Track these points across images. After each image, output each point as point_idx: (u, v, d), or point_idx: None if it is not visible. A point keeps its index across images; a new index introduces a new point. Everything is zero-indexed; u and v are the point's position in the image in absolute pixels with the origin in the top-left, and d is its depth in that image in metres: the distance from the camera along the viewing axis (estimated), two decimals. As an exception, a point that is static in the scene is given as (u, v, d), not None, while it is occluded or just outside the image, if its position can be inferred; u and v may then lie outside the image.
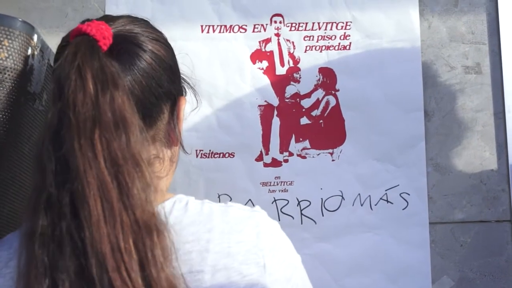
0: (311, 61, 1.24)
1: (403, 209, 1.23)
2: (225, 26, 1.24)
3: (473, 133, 1.25)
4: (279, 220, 1.21)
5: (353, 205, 1.23)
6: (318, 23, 1.24)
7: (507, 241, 1.24)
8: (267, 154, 1.23)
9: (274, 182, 1.23)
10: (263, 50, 1.24)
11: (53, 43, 0.80)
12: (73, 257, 0.56)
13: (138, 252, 0.56)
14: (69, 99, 0.59)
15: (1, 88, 0.74)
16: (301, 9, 1.24)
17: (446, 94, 1.25)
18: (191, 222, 0.65)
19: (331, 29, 1.24)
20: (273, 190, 1.23)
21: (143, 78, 0.67)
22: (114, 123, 0.59)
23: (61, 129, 0.59)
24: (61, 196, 0.57)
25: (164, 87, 0.70)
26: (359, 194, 1.23)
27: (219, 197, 1.22)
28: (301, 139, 1.24)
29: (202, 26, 1.24)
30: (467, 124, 1.25)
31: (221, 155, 1.23)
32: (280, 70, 1.24)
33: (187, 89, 0.82)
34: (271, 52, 1.24)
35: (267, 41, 1.24)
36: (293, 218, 1.22)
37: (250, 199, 1.22)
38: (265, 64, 1.24)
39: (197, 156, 1.22)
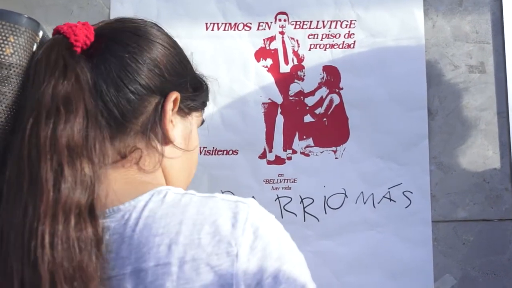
0: (315, 59, 1.24)
1: (406, 207, 1.23)
2: (230, 24, 1.24)
3: (477, 132, 1.25)
4: (282, 217, 1.22)
5: (356, 203, 1.23)
6: (323, 21, 1.25)
7: (510, 239, 1.24)
8: (270, 151, 1.23)
9: (278, 180, 1.23)
10: (268, 48, 1.25)
11: (59, 40, 0.81)
12: None
13: (30, 238, 0.58)
14: (23, 92, 0.66)
15: (7, 84, 0.74)
16: (306, 7, 1.24)
17: (450, 93, 1.25)
18: (164, 215, 0.64)
19: (335, 28, 1.25)
20: (276, 188, 1.23)
21: (115, 73, 0.70)
22: (49, 111, 0.62)
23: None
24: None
25: (145, 83, 0.71)
26: (362, 192, 1.24)
27: (222, 193, 1.22)
28: (304, 137, 1.24)
29: (206, 23, 1.24)
30: (470, 123, 1.25)
31: (225, 152, 1.23)
32: (284, 68, 1.24)
33: (203, 87, 0.83)
34: (276, 50, 1.25)
35: (272, 39, 1.25)
36: (296, 215, 1.23)
37: (253, 196, 1.22)
38: (269, 62, 1.24)
39: (200, 153, 1.22)
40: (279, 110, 1.24)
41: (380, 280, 1.22)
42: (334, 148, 1.24)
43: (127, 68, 0.70)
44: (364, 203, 1.23)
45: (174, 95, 0.75)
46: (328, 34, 1.25)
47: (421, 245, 1.22)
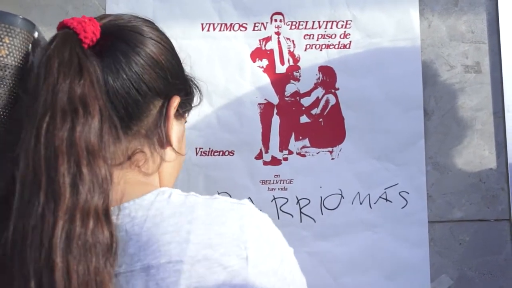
0: (311, 60, 1.24)
1: (402, 207, 1.23)
2: (226, 24, 1.24)
3: (473, 132, 1.25)
4: (278, 218, 1.22)
5: (352, 203, 1.23)
6: (319, 21, 1.25)
7: (506, 239, 1.24)
8: (266, 152, 1.23)
9: (274, 180, 1.23)
10: (263, 48, 1.24)
11: (54, 41, 0.81)
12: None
13: (47, 241, 0.57)
14: (34, 89, 0.63)
15: (2, 86, 0.74)
16: (302, 8, 1.24)
17: (446, 93, 1.26)
18: (172, 214, 0.64)
19: (331, 28, 1.25)
20: (272, 189, 1.23)
21: (124, 73, 0.69)
22: (65, 111, 0.61)
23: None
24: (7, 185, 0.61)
25: (151, 85, 0.71)
26: (358, 192, 1.23)
27: (218, 194, 1.22)
28: (300, 138, 1.24)
29: (202, 24, 1.24)
30: (466, 123, 1.25)
31: (221, 153, 1.23)
32: (280, 69, 1.24)
33: (194, 90, 0.83)
34: (271, 51, 1.24)
35: (267, 39, 1.25)
36: (292, 216, 1.23)
37: (249, 197, 1.22)
38: (265, 62, 1.24)
39: (196, 154, 1.22)
40: (275, 111, 1.24)
41: (377, 280, 1.22)
42: (330, 149, 1.24)
43: (135, 69, 0.70)
44: (361, 203, 1.23)
45: (177, 99, 0.75)
46: (324, 35, 1.25)
47: (418, 245, 1.22)
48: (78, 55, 0.65)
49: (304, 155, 1.24)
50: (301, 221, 1.23)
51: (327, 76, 1.24)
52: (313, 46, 1.25)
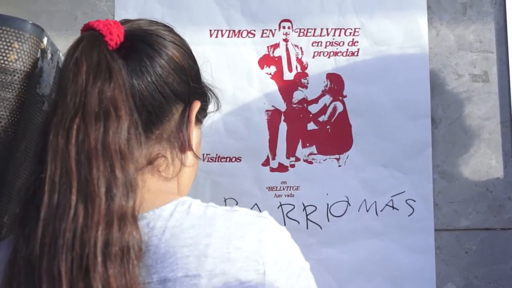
0: (319, 67, 1.24)
1: (409, 215, 1.23)
2: (234, 31, 1.24)
3: (480, 141, 1.25)
4: (285, 225, 1.21)
5: (358, 211, 1.23)
6: (327, 29, 1.25)
7: (513, 249, 1.24)
8: (273, 159, 1.23)
9: (280, 187, 1.23)
10: (271, 55, 1.25)
11: (62, 46, 0.81)
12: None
13: (82, 245, 0.57)
14: (62, 89, 0.63)
15: (11, 90, 0.75)
16: (310, 15, 1.24)
17: (453, 101, 1.26)
18: (191, 226, 0.64)
19: (339, 35, 1.25)
20: (279, 195, 1.23)
21: (149, 76, 0.68)
22: (97, 114, 0.61)
23: (51, 119, 0.62)
24: (33, 186, 0.61)
25: (174, 88, 0.71)
26: (364, 200, 1.24)
27: (225, 201, 1.22)
28: (308, 145, 1.24)
29: (210, 30, 1.24)
30: (473, 132, 1.25)
31: (228, 159, 1.23)
32: (288, 76, 1.25)
33: (210, 97, 0.83)
34: (279, 58, 1.25)
35: (275, 46, 1.25)
36: (298, 223, 1.23)
37: (256, 204, 1.22)
38: (273, 69, 1.25)
39: (204, 160, 1.22)
40: (283, 118, 1.24)
41: (383, 288, 1.22)
42: (337, 156, 1.24)
43: (160, 72, 0.70)
44: (367, 211, 1.23)
45: (198, 104, 0.75)
46: (332, 42, 1.25)
47: (424, 253, 1.22)
48: (106, 57, 0.65)
49: (311, 162, 1.24)
50: (307, 228, 1.23)
51: (335, 84, 1.24)
52: (321, 53, 1.25)
